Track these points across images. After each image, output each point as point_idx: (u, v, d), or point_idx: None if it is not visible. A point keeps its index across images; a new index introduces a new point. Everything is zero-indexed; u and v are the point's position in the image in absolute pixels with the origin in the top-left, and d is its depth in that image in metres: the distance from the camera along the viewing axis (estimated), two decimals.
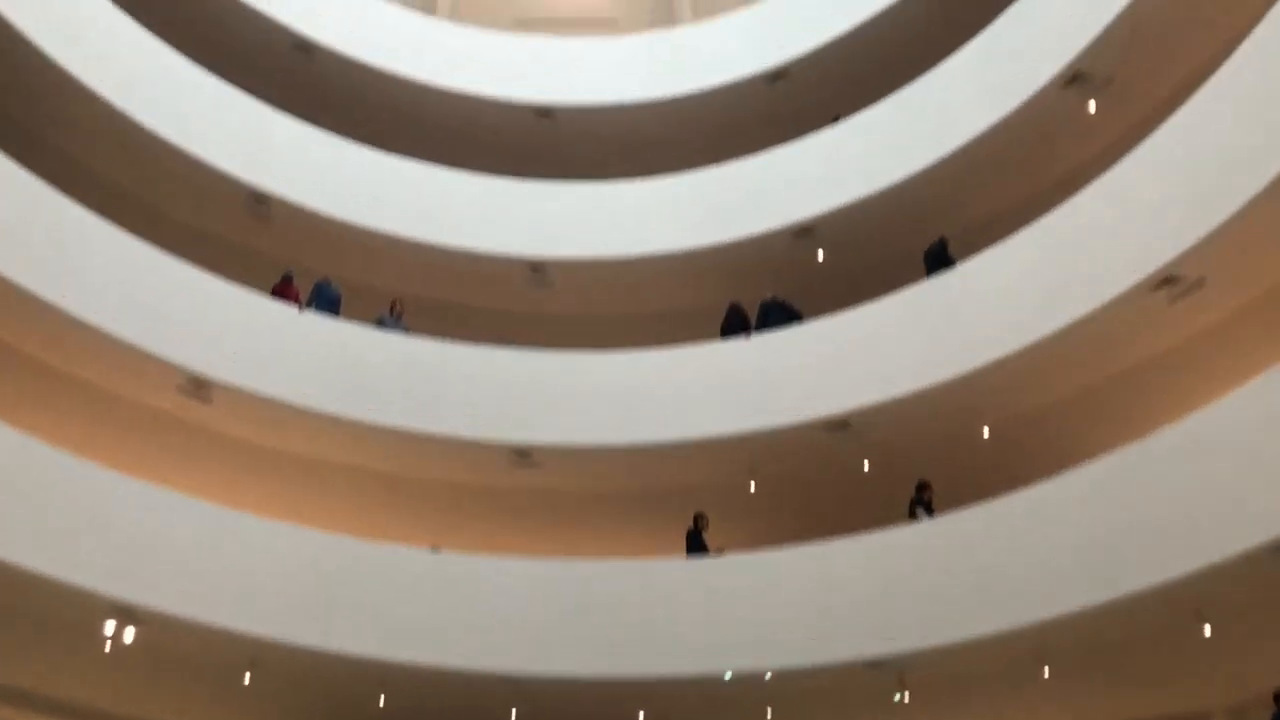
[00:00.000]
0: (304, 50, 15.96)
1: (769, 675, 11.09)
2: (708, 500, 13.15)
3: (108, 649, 10.62)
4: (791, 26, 16.26)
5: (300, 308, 13.74)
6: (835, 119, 15.07)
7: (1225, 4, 11.28)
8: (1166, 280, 10.28)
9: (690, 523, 12.74)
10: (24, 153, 12.08)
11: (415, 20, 17.25)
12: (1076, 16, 12.20)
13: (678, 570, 12.29)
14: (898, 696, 10.98)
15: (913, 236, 13.85)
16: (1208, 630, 9.42)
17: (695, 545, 12.55)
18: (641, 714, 11.93)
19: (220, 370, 12.45)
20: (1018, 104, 12.79)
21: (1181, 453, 9.55)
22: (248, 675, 11.42)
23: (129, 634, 10.65)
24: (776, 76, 16.11)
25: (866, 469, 13.08)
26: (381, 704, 11.84)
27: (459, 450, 13.34)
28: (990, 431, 12.47)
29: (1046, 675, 10.56)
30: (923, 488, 12.04)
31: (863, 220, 14.25)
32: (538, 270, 15.29)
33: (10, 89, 13.08)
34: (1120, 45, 11.89)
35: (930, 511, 11.80)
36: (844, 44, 15.66)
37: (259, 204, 14.48)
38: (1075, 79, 12.37)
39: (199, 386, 12.45)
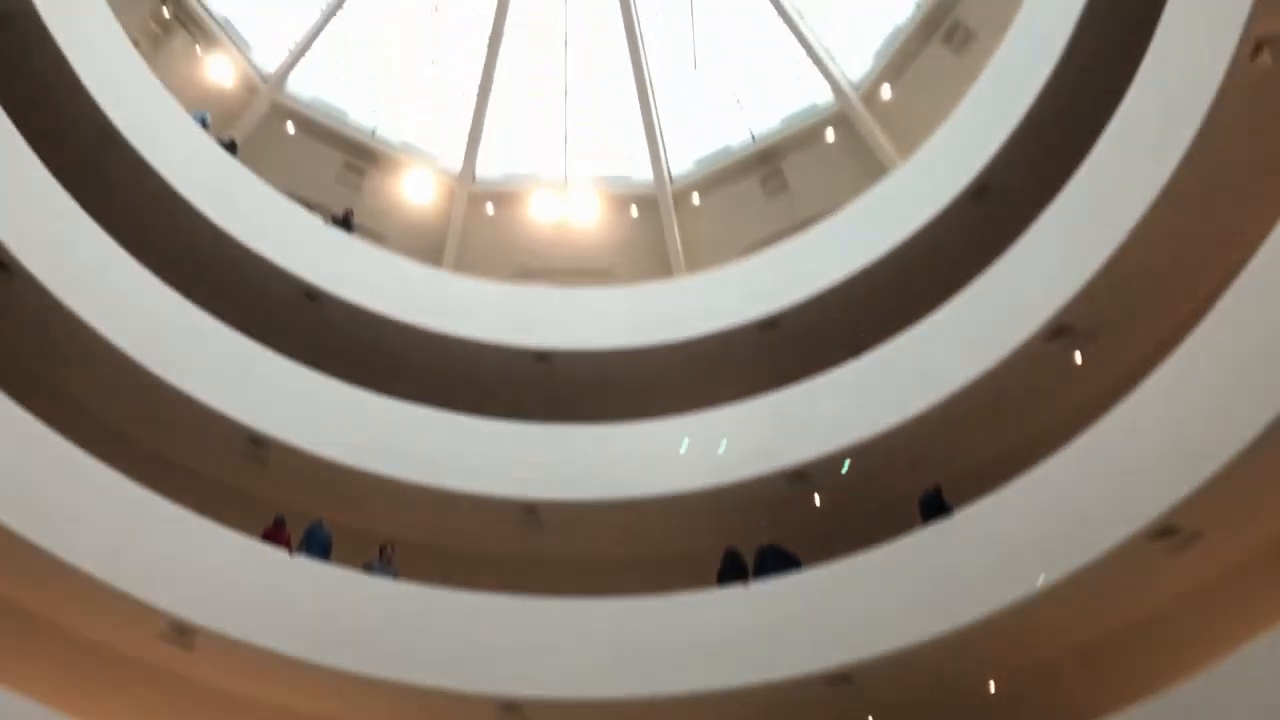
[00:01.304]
0: (312, 298, 16.49)
1: None
2: None
3: None
4: (782, 278, 16.98)
5: (291, 552, 13.55)
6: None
7: (1206, 257, 11.80)
8: (1164, 532, 10.25)
9: None
10: (20, 390, 12.18)
11: (421, 271, 17.95)
12: (1060, 270, 12.74)
13: None
14: None
15: (907, 482, 13.89)
16: None
17: None
18: None
19: (204, 616, 12.13)
20: (1003, 356, 13.15)
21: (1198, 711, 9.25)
22: None
23: None
24: (767, 325, 16.65)
25: None
26: None
27: (445, 703, 12.82)
28: (998, 685, 12.08)
29: None
30: None
31: (857, 464, 14.35)
32: (531, 512, 15.22)
33: (10, 326, 13.36)
34: (1103, 298, 12.36)
35: None
36: (833, 295, 16.29)
37: (257, 446, 14.56)
38: (1060, 332, 12.78)
39: (181, 632, 12.08)
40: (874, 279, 15.99)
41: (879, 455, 14.22)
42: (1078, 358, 12.91)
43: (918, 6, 19.34)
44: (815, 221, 17.87)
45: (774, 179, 21.02)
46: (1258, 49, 11.57)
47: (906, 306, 15.15)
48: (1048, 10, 14.41)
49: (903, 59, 19.53)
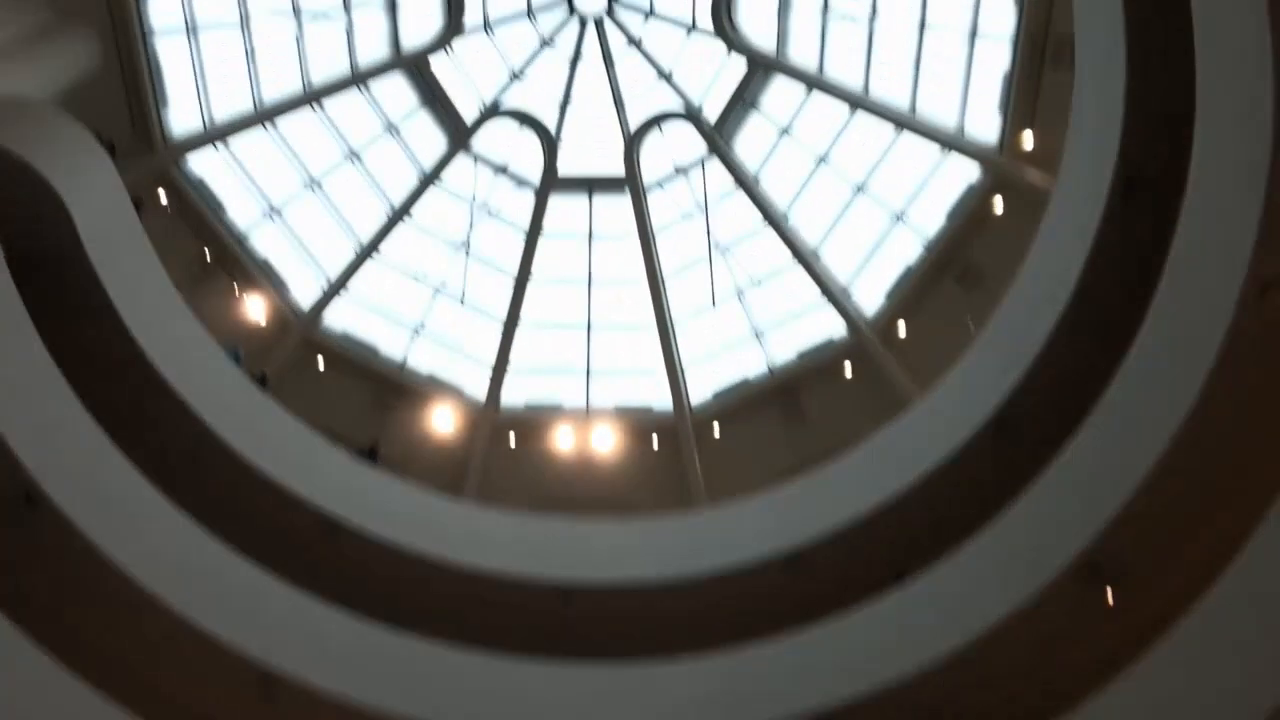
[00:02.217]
0: (333, 529, 16.47)
1: None
2: None
3: None
4: (806, 512, 16.86)
5: None
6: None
7: (1228, 492, 11.67)
8: None
9: None
10: (30, 622, 12.02)
11: (442, 502, 17.99)
12: (1082, 509, 12.62)
13: None
14: None
15: None
16: None
17: None
18: None
19: None
20: (1029, 594, 12.86)
21: None
22: None
23: None
24: (791, 560, 16.41)
25: None
26: None
27: None
28: None
29: None
30: None
31: (885, 709, 13.79)
32: None
33: (34, 557, 13.34)
34: (1126, 537, 12.18)
35: None
36: (855, 531, 16.12)
37: (268, 684, 14.18)
38: (1087, 571, 12.53)
39: None
40: (896, 515, 15.87)
41: (907, 702, 13.66)
42: (1109, 597, 12.59)
43: (927, 249, 20.10)
44: (835, 453, 17.90)
45: (793, 411, 21.30)
46: (1265, 289, 11.91)
47: (929, 542, 14.96)
48: (1057, 251, 14.91)
49: (915, 297, 20.14)
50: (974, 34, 18.63)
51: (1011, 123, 18.51)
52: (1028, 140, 18.31)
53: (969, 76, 19.07)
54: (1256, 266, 11.47)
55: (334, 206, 21.91)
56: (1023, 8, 17.45)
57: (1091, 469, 13.05)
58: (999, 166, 18.71)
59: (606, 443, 21.68)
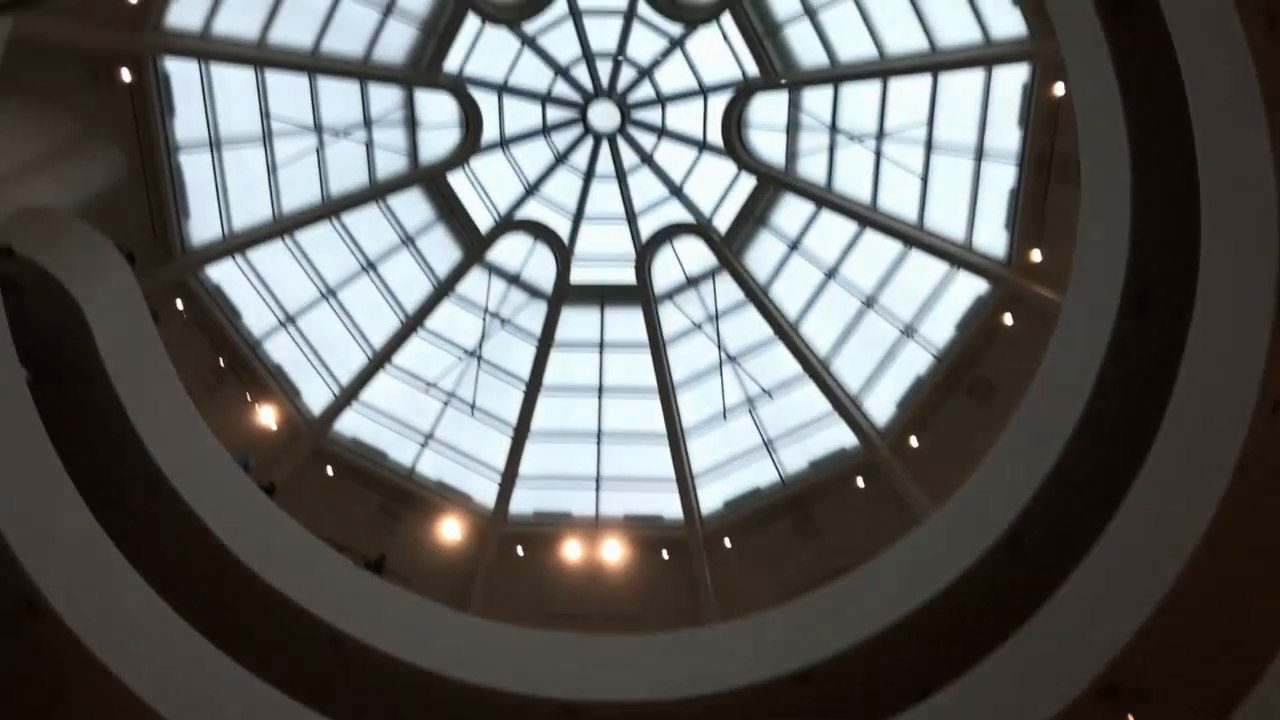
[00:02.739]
0: (337, 642, 16.22)
1: None
2: None
3: None
4: (815, 629, 16.57)
5: None
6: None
7: (1251, 610, 11.45)
8: None
9: None
10: None
11: (447, 615, 17.73)
12: (1098, 627, 12.39)
13: None
14: None
15: None
16: None
17: None
18: None
19: None
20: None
21: None
22: None
23: None
24: (801, 678, 16.06)
25: None
26: None
27: None
28: None
29: None
30: None
31: None
32: None
33: (27, 670, 13.12)
34: (1147, 657, 11.92)
35: None
36: (868, 648, 15.80)
37: None
38: (1107, 692, 12.23)
39: None
40: (910, 631, 15.57)
41: None
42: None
43: (938, 361, 20.17)
44: (848, 567, 17.66)
45: (805, 524, 21.13)
46: (1277, 407, 11.89)
47: (944, 659, 14.63)
48: (1068, 366, 14.95)
49: (927, 409, 20.15)
50: (980, 153, 19.02)
51: (1019, 238, 18.77)
52: (1036, 255, 18.54)
53: (976, 194, 19.41)
54: (1267, 385, 11.51)
55: (349, 316, 22.15)
56: (1027, 128, 17.84)
57: (1107, 587, 12.87)
58: (1007, 281, 18.89)
59: (615, 554, 21.48)
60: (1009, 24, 17.40)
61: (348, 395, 21.71)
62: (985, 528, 15.31)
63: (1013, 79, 17.93)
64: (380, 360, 22.24)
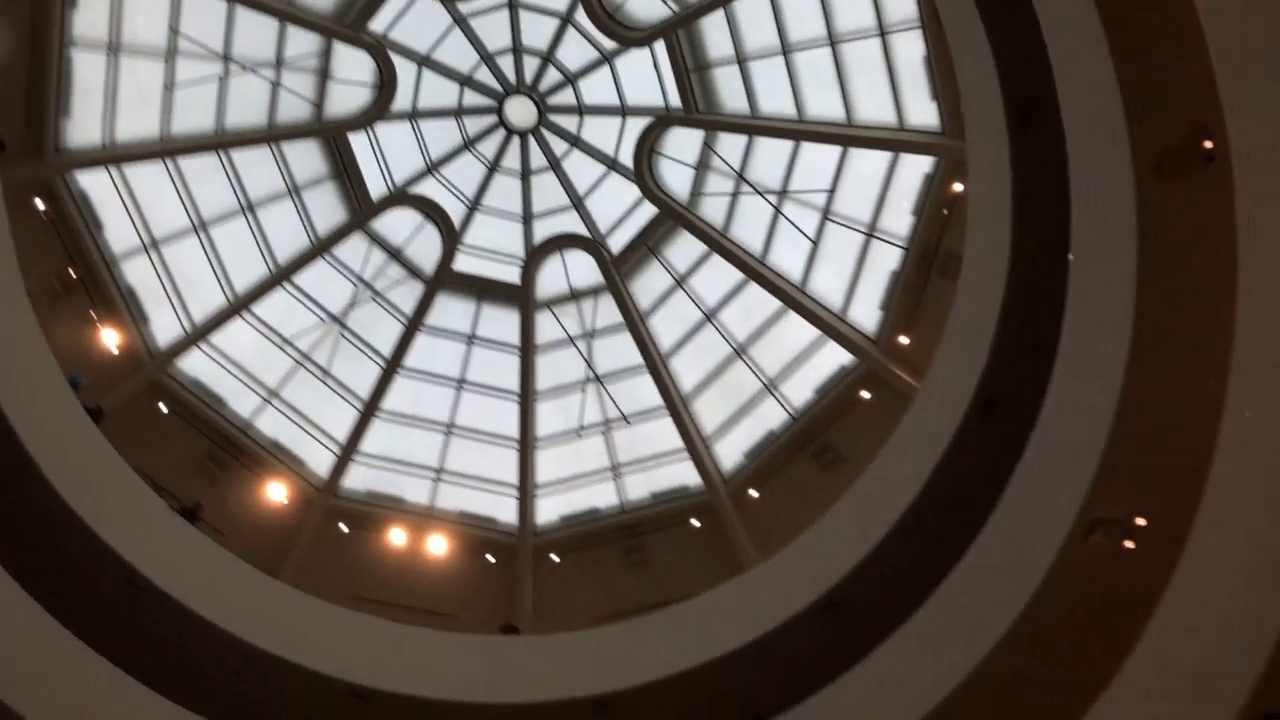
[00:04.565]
0: (133, 584, 15.51)
1: None
2: None
3: None
4: (624, 657, 16.64)
5: None
6: None
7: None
8: None
9: None
10: None
11: (254, 577, 17.15)
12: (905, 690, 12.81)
13: None
14: None
15: None
16: None
17: None
18: None
19: None
20: None
21: None
22: None
23: None
24: (600, 705, 16.09)
25: None
26: None
27: None
28: None
29: None
30: None
31: None
32: None
33: None
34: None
35: None
36: (672, 684, 15.97)
37: None
38: None
39: None
40: (717, 674, 15.77)
41: None
42: None
43: (793, 420, 20.62)
44: (668, 602, 17.84)
45: (636, 552, 21.23)
46: (1092, 528, 12.58)
47: (750, 706, 14.90)
48: (910, 453, 15.46)
49: (773, 465, 20.52)
50: (871, 230, 19.60)
51: (892, 320, 19.36)
52: (904, 339, 19.15)
53: (860, 269, 19.95)
54: (1090, 505, 12.15)
55: (216, 254, 21.31)
56: (920, 217, 18.48)
57: (914, 660, 13.34)
58: (872, 358, 19.45)
59: (440, 549, 21.17)
60: (924, 115, 18.03)
61: (198, 334, 20.84)
62: (805, 587, 15.67)
63: (917, 168, 18.58)
64: (239, 306, 21.44)
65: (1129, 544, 12.89)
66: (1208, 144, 10.55)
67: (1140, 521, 12.73)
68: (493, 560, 21.49)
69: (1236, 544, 10.08)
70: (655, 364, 22.42)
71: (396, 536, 21.11)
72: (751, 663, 15.84)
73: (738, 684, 15.83)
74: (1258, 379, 9.51)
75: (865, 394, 19.59)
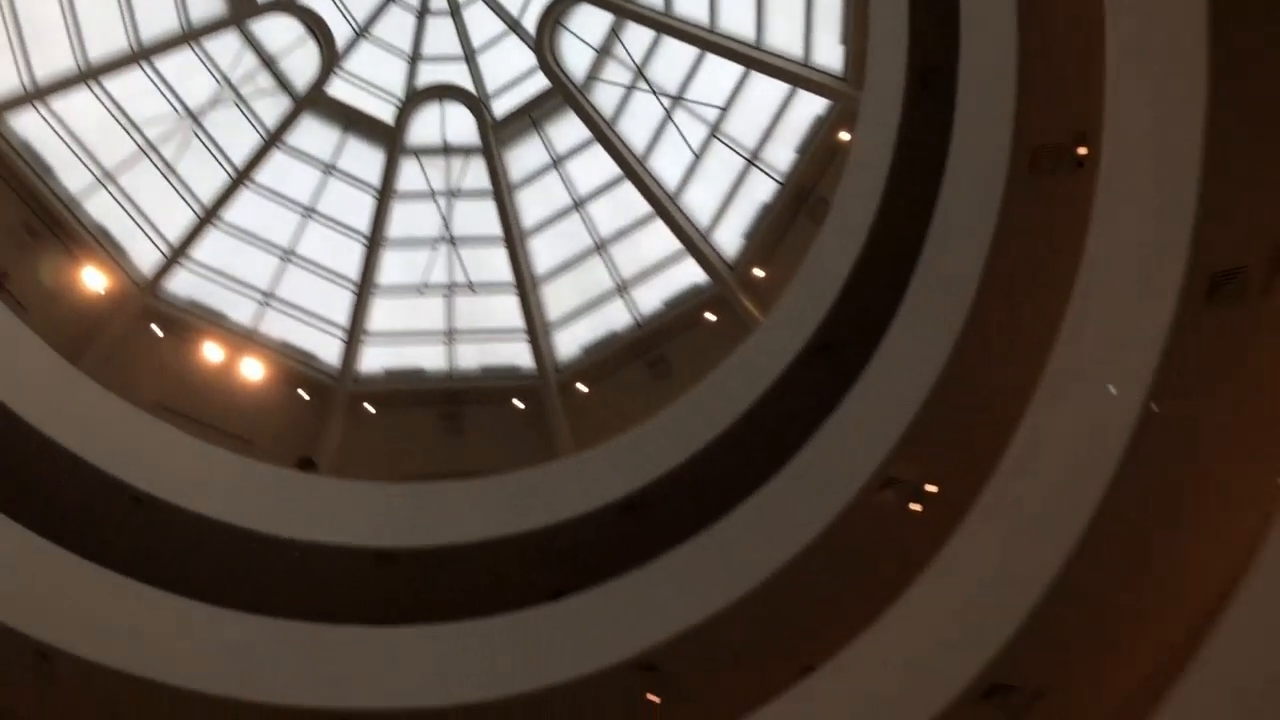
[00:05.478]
0: None
1: None
2: None
3: None
4: (418, 513, 16.73)
5: None
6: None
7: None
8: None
9: None
10: None
11: (46, 356, 16.27)
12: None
13: None
14: None
15: None
16: None
17: None
18: None
19: None
20: None
21: None
22: None
23: None
24: (386, 557, 16.16)
25: None
26: None
27: None
28: None
29: None
30: None
31: None
32: None
33: None
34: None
35: None
36: (469, 549, 16.15)
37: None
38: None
39: None
40: (514, 550, 16.10)
41: None
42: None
43: (637, 325, 20.86)
44: (476, 475, 17.98)
45: (452, 420, 21.16)
46: (886, 484, 13.27)
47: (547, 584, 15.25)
48: (736, 385, 16.11)
49: (608, 366, 20.97)
50: (753, 158, 19.69)
51: (752, 249, 19.64)
52: (758, 272, 19.46)
53: (733, 194, 20.08)
54: (889, 462, 12.79)
55: (74, 10, 19.61)
56: (802, 158, 18.68)
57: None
58: (725, 283, 19.72)
59: (255, 373, 20.53)
60: (830, 57, 18.06)
61: (37, 94, 19.22)
62: (613, 484, 16.14)
63: (810, 107, 18.68)
64: (89, 75, 19.74)
65: (915, 506, 13.71)
66: (1082, 150, 10.99)
67: (931, 488, 13.53)
68: (306, 397, 21.04)
69: (1000, 535, 10.79)
70: (513, 239, 22.12)
71: (211, 352, 20.33)
72: (551, 545, 16.17)
73: (536, 562, 16.15)
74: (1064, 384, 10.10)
75: (710, 316, 19.91)
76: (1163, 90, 8.29)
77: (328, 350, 21.71)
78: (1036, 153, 11.26)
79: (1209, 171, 7.84)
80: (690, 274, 20.63)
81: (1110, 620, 10.18)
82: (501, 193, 22.29)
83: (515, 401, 21.20)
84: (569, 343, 21.72)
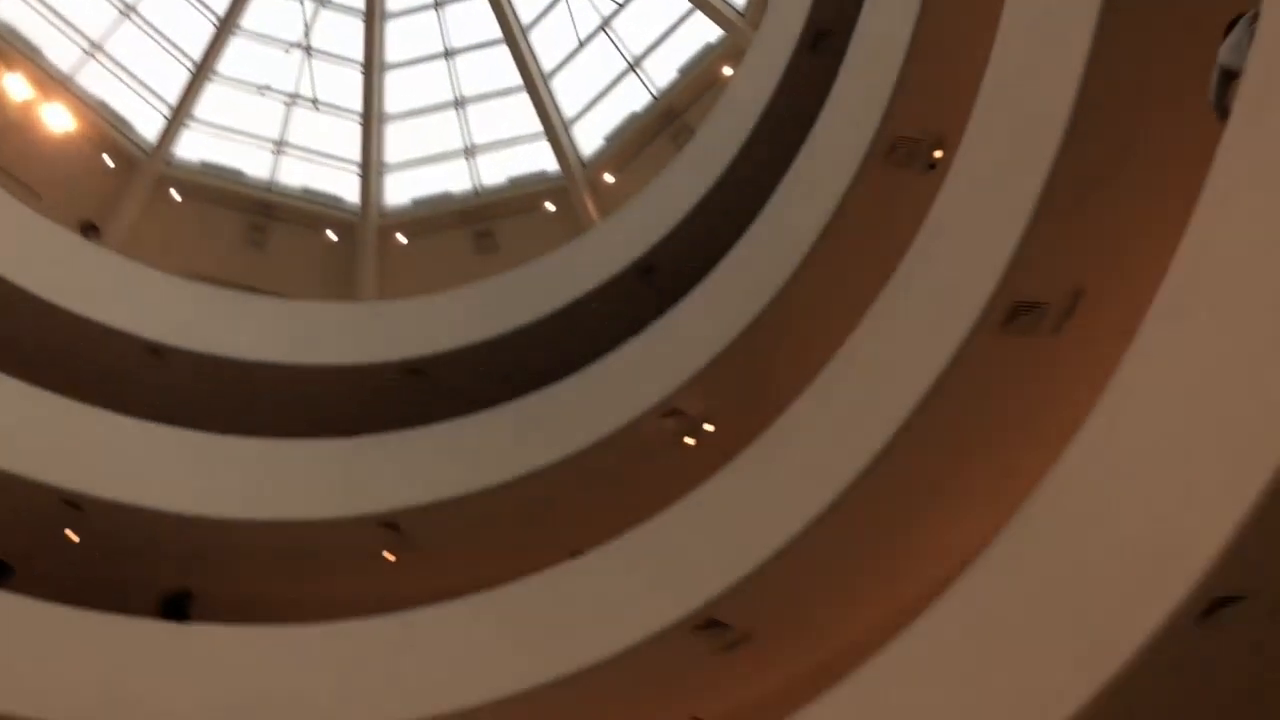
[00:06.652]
0: None
1: None
2: None
3: None
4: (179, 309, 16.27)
5: None
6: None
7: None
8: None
9: None
10: None
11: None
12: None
13: None
14: None
15: None
16: None
17: None
18: None
19: None
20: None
21: None
22: None
23: None
24: (152, 350, 15.56)
25: None
26: None
27: None
28: None
29: None
30: None
31: None
32: None
33: None
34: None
35: None
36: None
37: None
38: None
39: None
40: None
41: None
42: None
43: (475, 193, 20.53)
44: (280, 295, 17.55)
45: (259, 233, 20.34)
46: (669, 414, 13.73)
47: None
48: (556, 281, 16.13)
49: (434, 227, 20.54)
50: (634, 66, 19.51)
51: (607, 153, 19.61)
52: (608, 178, 19.47)
53: (607, 92, 19.88)
54: (677, 396, 13.26)
55: None
56: (682, 78, 18.68)
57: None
58: (573, 178, 19.64)
59: (61, 123, 18.84)
60: None
61: None
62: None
63: (704, 33, 18.68)
64: None
65: (689, 440, 14.26)
66: (938, 154, 11.47)
67: (708, 427, 14.08)
68: (110, 164, 19.64)
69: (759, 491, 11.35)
70: (372, 68, 21.14)
71: (17, 87, 18.54)
72: (342, 387, 16.09)
73: (308, 398, 15.94)
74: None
75: (550, 206, 20.04)
76: (1022, 123, 8.70)
77: (147, 124, 20.28)
78: (897, 142, 11.64)
79: (1042, 210, 8.32)
80: (541, 159, 20.41)
81: (837, 579, 10.93)
82: (373, 20, 21.23)
83: (329, 232, 20.52)
84: (399, 191, 21.14)
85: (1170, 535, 5.96)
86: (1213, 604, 5.79)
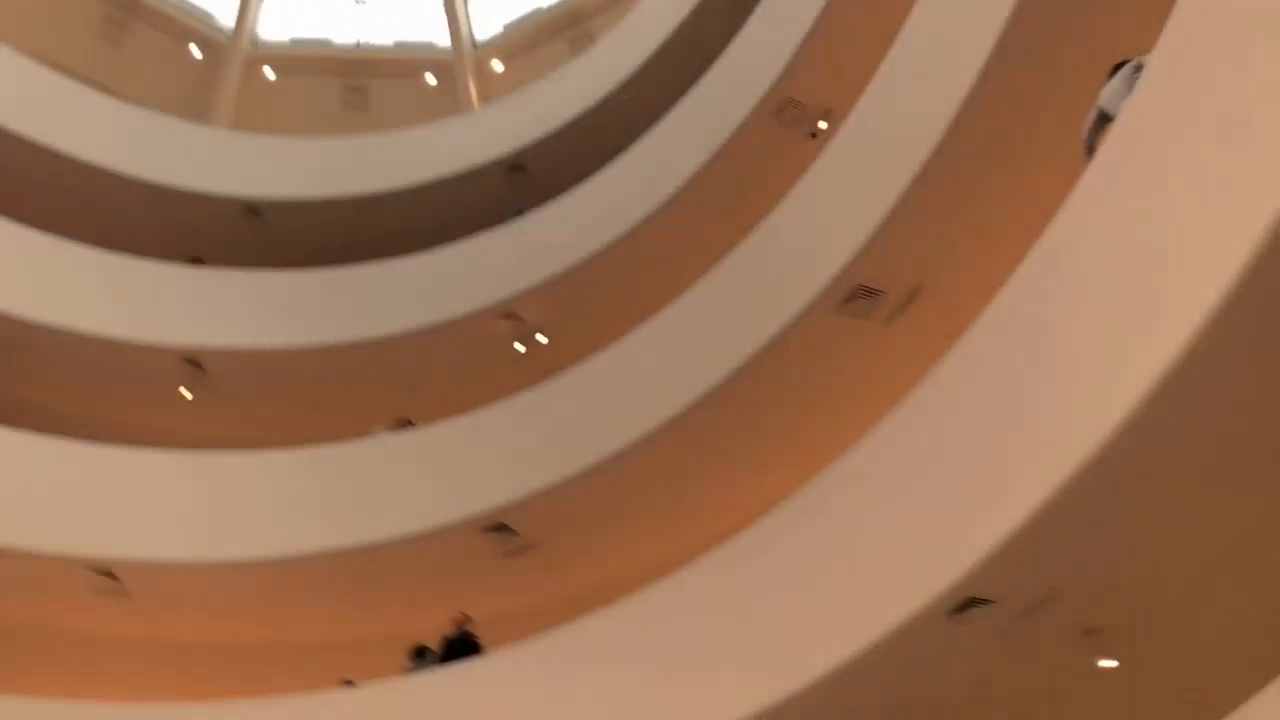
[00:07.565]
0: None
1: None
2: None
3: None
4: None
5: None
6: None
7: None
8: None
9: None
10: None
11: None
12: None
13: None
14: None
15: None
16: None
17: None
18: None
19: None
20: None
21: None
22: None
23: None
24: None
25: None
26: None
27: None
28: None
29: None
30: None
31: None
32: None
33: None
34: None
35: None
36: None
37: None
38: None
39: None
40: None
41: None
42: None
43: (358, 46, 19.67)
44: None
45: (118, 27, 18.82)
46: (506, 315, 13.61)
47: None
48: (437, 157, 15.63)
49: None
50: None
51: (502, 40, 19.15)
52: (497, 64, 18.96)
53: None
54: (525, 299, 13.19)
55: None
56: None
57: None
58: (461, 55, 19.08)
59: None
60: None
61: None
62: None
63: None
64: None
65: (520, 346, 14.21)
66: (822, 125, 11.63)
67: (541, 338, 14.05)
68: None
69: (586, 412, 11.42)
70: None
71: None
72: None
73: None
74: None
75: (430, 79, 19.43)
76: (902, 125, 8.88)
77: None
78: (786, 103, 11.73)
79: (903, 206, 8.58)
80: (433, 30, 19.65)
81: (629, 512, 11.19)
82: None
83: (193, 47, 19.22)
84: (278, 25, 19.96)
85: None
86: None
